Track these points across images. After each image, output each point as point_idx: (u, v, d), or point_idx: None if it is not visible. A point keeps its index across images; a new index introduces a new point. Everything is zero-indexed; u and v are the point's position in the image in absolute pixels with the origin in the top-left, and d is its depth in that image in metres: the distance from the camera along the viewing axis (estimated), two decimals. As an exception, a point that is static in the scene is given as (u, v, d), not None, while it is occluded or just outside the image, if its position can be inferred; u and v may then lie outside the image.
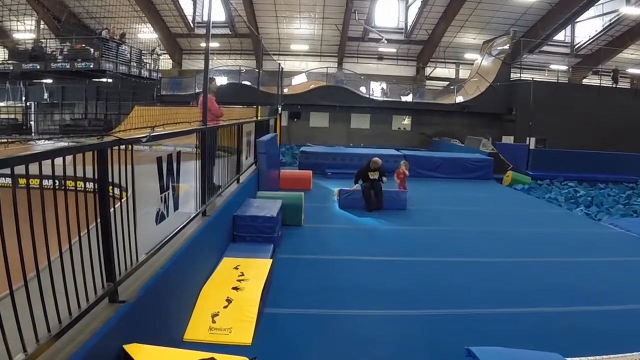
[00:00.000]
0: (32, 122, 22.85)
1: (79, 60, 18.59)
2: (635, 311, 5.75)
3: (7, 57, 20.27)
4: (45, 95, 23.77)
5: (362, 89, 27.71)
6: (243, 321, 4.70)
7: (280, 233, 8.07)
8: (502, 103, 24.87)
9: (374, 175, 11.19)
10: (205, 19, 6.36)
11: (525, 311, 5.63)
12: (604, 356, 3.99)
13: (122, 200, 3.37)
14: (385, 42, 30.09)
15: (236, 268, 5.76)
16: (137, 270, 3.56)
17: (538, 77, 26.14)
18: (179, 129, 5.51)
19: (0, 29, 26.99)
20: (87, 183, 2.93)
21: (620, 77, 27.09)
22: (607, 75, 26.45)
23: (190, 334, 4.50)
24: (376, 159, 11.41)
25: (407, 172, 12.48)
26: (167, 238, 4.27)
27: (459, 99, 26.50)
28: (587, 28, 30.66)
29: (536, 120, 21.48)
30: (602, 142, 21.36)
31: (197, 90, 22.37)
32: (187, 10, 29.74)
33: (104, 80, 20.63)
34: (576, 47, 31.70)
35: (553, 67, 30.37)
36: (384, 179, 11.29)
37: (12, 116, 22.18)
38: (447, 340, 4.76)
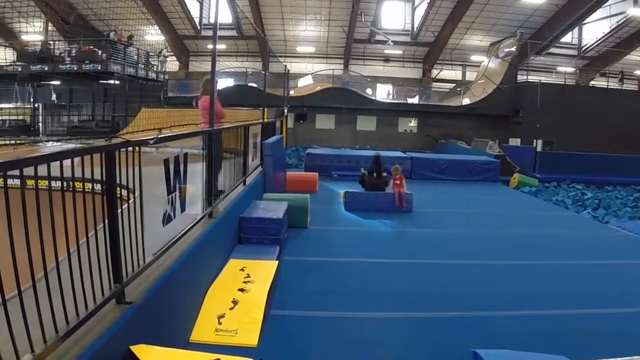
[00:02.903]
0: (40, 124, 23.00)
1: (87, 62, 18.76)
2: (643, 315, 5.72)
3: (15, 58, 20.46)
4: (53, 97, 23.92)
5: (368, 91, 27.70)
6: (249, 323, 4.70)
7: (286, 235, 8.07)
8: (508, 105, 24.81)
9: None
10: (212, 21, 6.35)
11: (531, 314, 5.60)
12: (611, 359, 3.97)
13: (130, 202, 3.39)
14: (392, 44, 30.13)
15: (242, 270, 5.77)
16: (144, 271, 3.58)
17: (545, 79, 26.03)
18: (186, 130, 5.54)
19: (9, 31, 27.27)
20: (95, 184, 2.95)
21: (628, 78, 26.95)
22: (614, 77, 26.33)
23: (196, 335, 4.51)
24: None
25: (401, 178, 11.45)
26: (174, 239, 4.28)
27: (466, 101, 26.44)
28: (594, 30, 30.53)
29: (543, 122, 21.38)
30: (609, 144, 21.25)
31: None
32: (194, 12, 29.85)
33: (112, 82, 20.75)
34: (583, 49, 31.58)
35: (560, 69, 30.26)
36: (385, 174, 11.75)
37: (20, 117, 22.32)
38: (453, 343, 4.74)
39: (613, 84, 25.73)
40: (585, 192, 16.85)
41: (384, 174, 11.77)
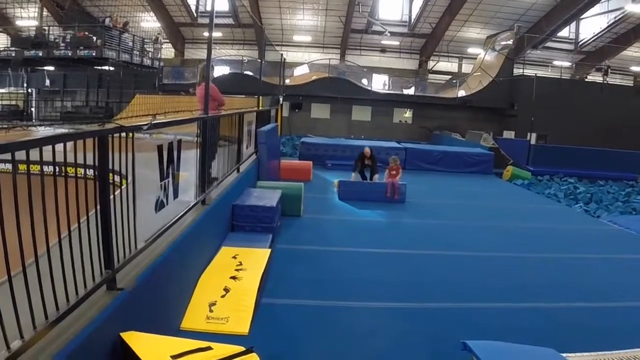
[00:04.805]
0: (33, 109, 22.80)
1: (82, 48, 18.59)
2: (632, 308, 5.77)
3: (9, 43, 20.25)
4: (47, 82, 23.70)
5: (364, 81, 27.63)
6: (240, 311, 4.71)
7: (279, 223, 8.08)
8: (504, 98, 24.83)
9: (368, 162, 12.08)
10: (209, 8, 6.33)
11: (522, 306, 5.65)
12: (600, 352, 4.01)
13: (122, 188, 3.37)
14: (389, 34, 29.97)
15: (234, 257, 5.78)
16: (135, 257, 3.56)
17: (541, 73, 26.04)
18: (181, 117, 5.51)
19: (3, 16, 26.97)
20: (88, 170, 2.93)
21: (615, 73, 26.97)
22: (611, 72, 26.36)
23: (187, 323, 4.51)
24: (367, 149, 12.30)
25: (398, 169, 11.63)
26: (166, 226, 4.27)
27: (461, 93, 26.45)
28: (591, 25, 30.45)
29: (538, 116, 21.40)
30: (603, 139, 21.34)
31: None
32: (191, -1, 29.63)
33: (106, 68, 20.57)
34: (580, 43, 31.56)
35: (556, 63, 30.25)
36: (377, 176, 12.02)
37: (13, 102, 22.12)
38: (443, 334, 4.78)
39: (609, 79, 25.78)
40: (577, 185, 16.93)
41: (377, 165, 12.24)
